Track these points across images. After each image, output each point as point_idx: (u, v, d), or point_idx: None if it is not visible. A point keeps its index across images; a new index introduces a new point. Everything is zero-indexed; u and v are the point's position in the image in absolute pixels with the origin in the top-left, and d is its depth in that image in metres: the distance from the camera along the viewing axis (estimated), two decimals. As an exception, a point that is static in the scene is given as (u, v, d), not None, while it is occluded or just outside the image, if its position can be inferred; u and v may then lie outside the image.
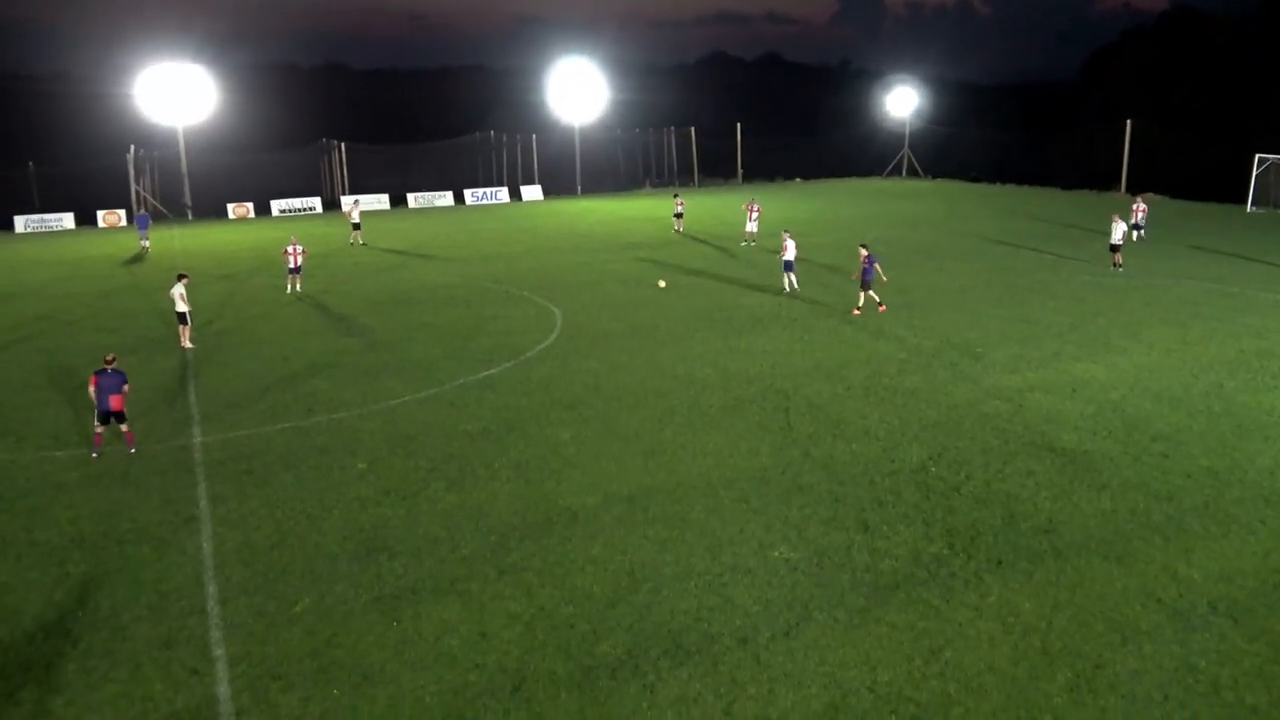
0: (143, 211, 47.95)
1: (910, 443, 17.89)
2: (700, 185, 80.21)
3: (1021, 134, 76.65)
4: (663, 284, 31.51)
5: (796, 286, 31.89)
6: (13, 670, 11.24)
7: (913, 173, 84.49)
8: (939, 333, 26.19)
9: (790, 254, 31.74)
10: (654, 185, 78.78)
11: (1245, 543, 13.69)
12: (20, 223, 59.65)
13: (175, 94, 61.20)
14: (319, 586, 12.98)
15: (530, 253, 43.68)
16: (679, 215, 49.03)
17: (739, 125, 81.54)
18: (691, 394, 21.18)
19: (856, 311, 28.50)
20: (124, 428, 18.07)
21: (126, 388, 17.89)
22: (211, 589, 12.99)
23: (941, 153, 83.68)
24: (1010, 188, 72.64)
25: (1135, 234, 40.40)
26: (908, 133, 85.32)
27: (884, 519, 14.68)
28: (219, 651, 11.51)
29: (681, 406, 20.33)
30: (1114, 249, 35.42)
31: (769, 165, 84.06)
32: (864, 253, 28.57)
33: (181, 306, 26.19)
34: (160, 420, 20.30)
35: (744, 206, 45.78)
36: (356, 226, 48.06)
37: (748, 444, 18.00)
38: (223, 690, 10.78)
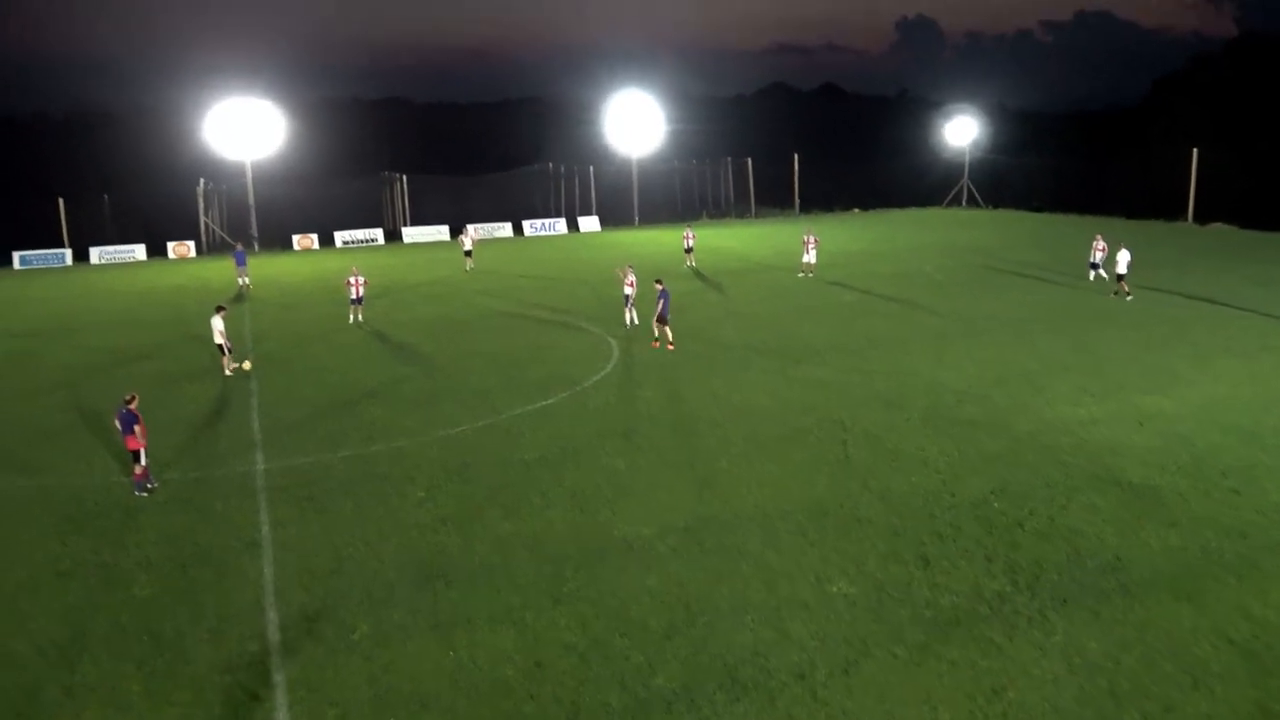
0: (240, 247, 48.51)
1: (970, 475, 17.61)
2: (757, 215, 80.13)
3: (1084, 162, 75.41)
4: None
5: (636, 321, 31.70)
6: (79, 691, 11.48)
7: (973, 202, 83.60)
8: (999, 362, 25.80)
9: (630, 289, 31.80)
10: (711, 216, 78.88)
11: (1323, 583, 13.22)
12: (95, 254, 61.52)
13: (243, 128, 62.81)
14: (377, 613, 13.10)
15: (587, 282, 43.93)
16: (689, 250, 48.65)
17: (796, 155, 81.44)
18: (747, 424, 21.08)
19: (655, 345, 28.74)
20: (136, 466, 17.93)
21: (137, 429, 17.54)
22: (272, 614, 13.16)
23: (1002, 182, 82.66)
24: (1073, 217, 71.48)
25: (1092, 273, 38.74)
26: (967, 162, 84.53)
27: (944, 553, 14.44)
28: (279, 677, 11.65)
29: (737, 436, 20.24)
30: (1119, 278, 35.09)
31: (827, 195, 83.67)
32: (658, 287, 28.69)
33: (219, 339, 26.95)
34: (224, 446, 20.72)
35: (802, 238, 45.52)
36: (468, 253, 49.82)
37: (804, 475, 17.85)
38: (282, 715, 10.90)
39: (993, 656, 11.61)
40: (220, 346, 27.23)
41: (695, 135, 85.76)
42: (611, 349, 28.92)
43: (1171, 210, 65.91)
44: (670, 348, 28.35)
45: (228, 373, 27.05)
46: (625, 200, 76.31)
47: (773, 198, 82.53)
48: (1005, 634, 12.10)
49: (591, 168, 76.44)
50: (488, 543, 15.31)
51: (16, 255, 59.92)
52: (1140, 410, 21.24)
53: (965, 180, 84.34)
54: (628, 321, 31.88)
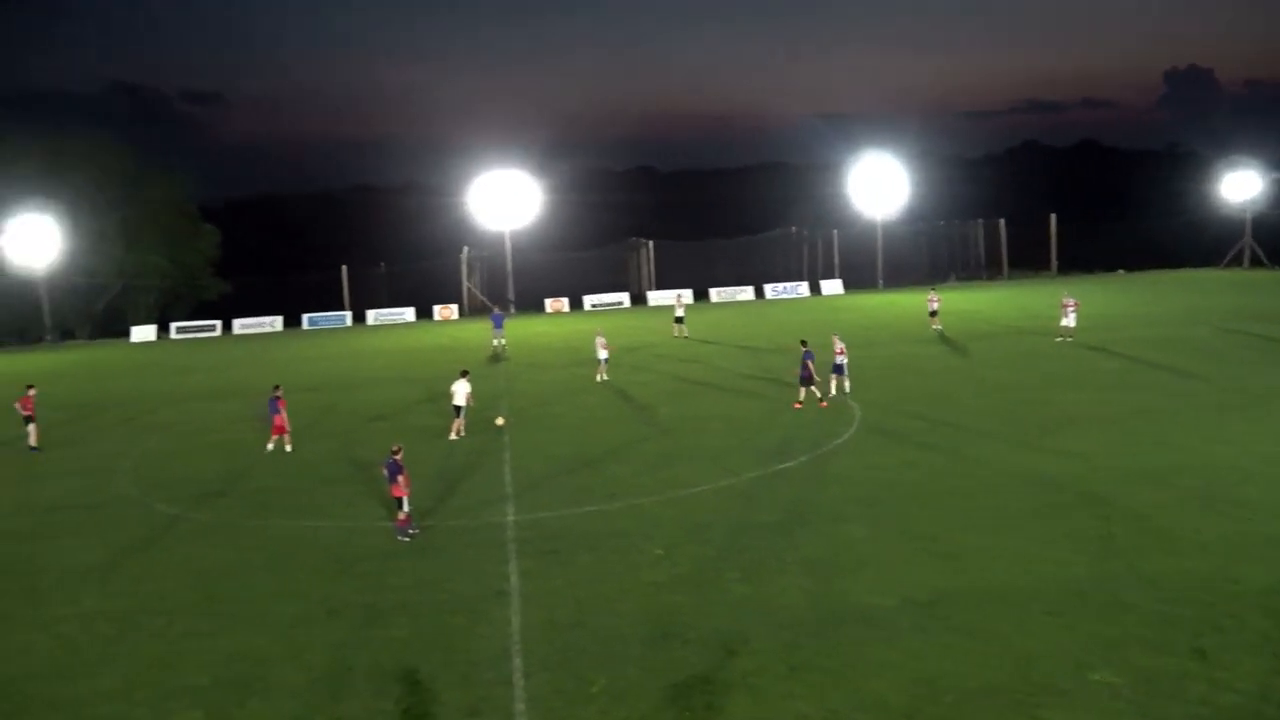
0: (497, 310, 51.00)
1: (1254, 562, 15.90)
2: (1009, 278, 76.90)
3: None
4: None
5: (847, 390, 30.66)
6: (343, 721, 12.31)
7: (1256, 263, 76.50)
8: (1290, 439, 23.28)
9: (840, 357, 30.77)
10: (959, 278, 76.38)
11: None
12: (371, 316, 67.91)
13: (502, 200, 67.19)
14: (614, 668, 13.32)
15: (827, 345, 43.43)
16: (934, 313, 46.75)
17: (1053, 215, 77.68)
18: (996, 496, 20.04)
19: (824, 404, 29.48)
20: (400, 513, 19.20)
21: (401, 478, 18.83)
22: (517, 662, 13.67)
23: (1291, 241, 75.21)
24: (1379, 277, 64.03)
25: None
26: (1249, 219, 77.61)
27: (1223, 646, 13.06)
28: (520, 723, 12.03)
29: (984, 508, 19.27)
30: None
31: (1086, 256, 79.13)
32: (804, 349, 29.80)
33: (460, 401, 27.86)
34: (478, 497, 21.87)
35: (1060, 301, 43.13)
36: (679, 320, 50.00)
37: (1059, 553, 16.72)
38: (522, 761, 11.22)
39: (1283, 768, 10.35)
40: (458, 409, 27.93)
41: (942, 196, 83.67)
42: (853, 414, 28.38)
43: None
44: (822, 405, 29.24)
45: (452, 436, 27.75)
46: (869, 262, 75.30)
47: (1026, 259, 78.98)
48: (1299, 743, 10.78)
49: (835, 231, 76.11)
50: (723, 605, 15.28)
51: (305, 317, 67.17)
52: None
53: (1247, 239, 77.39)
54: (833, 390, 30.99)
